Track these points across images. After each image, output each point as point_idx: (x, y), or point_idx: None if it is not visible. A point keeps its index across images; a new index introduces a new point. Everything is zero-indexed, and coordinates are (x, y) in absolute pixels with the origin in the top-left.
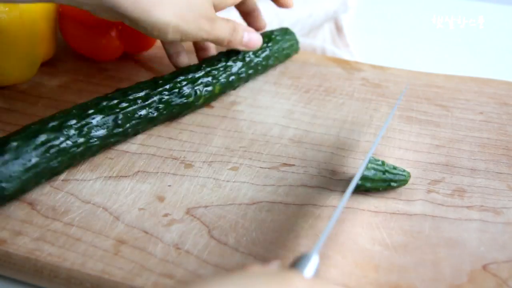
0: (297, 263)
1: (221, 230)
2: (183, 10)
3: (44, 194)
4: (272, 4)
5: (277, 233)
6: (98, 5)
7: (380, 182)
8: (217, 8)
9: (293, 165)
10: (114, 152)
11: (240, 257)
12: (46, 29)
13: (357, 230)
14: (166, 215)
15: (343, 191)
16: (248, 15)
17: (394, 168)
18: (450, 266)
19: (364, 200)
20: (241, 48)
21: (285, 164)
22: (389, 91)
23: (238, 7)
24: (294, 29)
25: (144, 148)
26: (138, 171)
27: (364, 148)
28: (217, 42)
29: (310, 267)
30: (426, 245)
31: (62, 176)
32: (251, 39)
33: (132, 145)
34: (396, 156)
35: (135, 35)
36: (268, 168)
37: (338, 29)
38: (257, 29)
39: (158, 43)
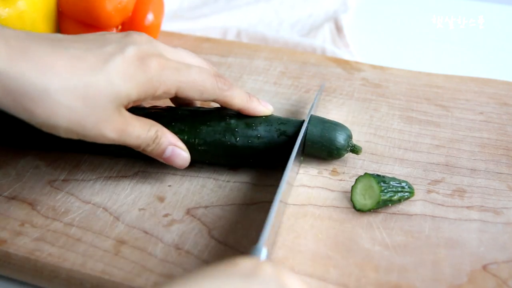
0: (252, 252)
1: (221, 230)
2: (78, 115)
3: (44, 194)
4: (272, 4)
5: (277, 233)
6: None
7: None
8: (128, 106)
9: None
10: None
11: (240, 257)
12: (46, 29)
13: (357, 230)
14: (166, 215)
15: (343, 191)
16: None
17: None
18: (450, 266)
19: None
20: (159, 160)
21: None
22: (389, 91)
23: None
24: (294, 29)
25: None
26: (138, 171)
27: (364, 148)
28: (132, 147)
29: (263, 254)
30: (426, 245)
31: (62, 176)
32: (175, 155)
33: None
34: (396, 156)
35: None
36: (268, 168)
37: (338, 29)
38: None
39: None
